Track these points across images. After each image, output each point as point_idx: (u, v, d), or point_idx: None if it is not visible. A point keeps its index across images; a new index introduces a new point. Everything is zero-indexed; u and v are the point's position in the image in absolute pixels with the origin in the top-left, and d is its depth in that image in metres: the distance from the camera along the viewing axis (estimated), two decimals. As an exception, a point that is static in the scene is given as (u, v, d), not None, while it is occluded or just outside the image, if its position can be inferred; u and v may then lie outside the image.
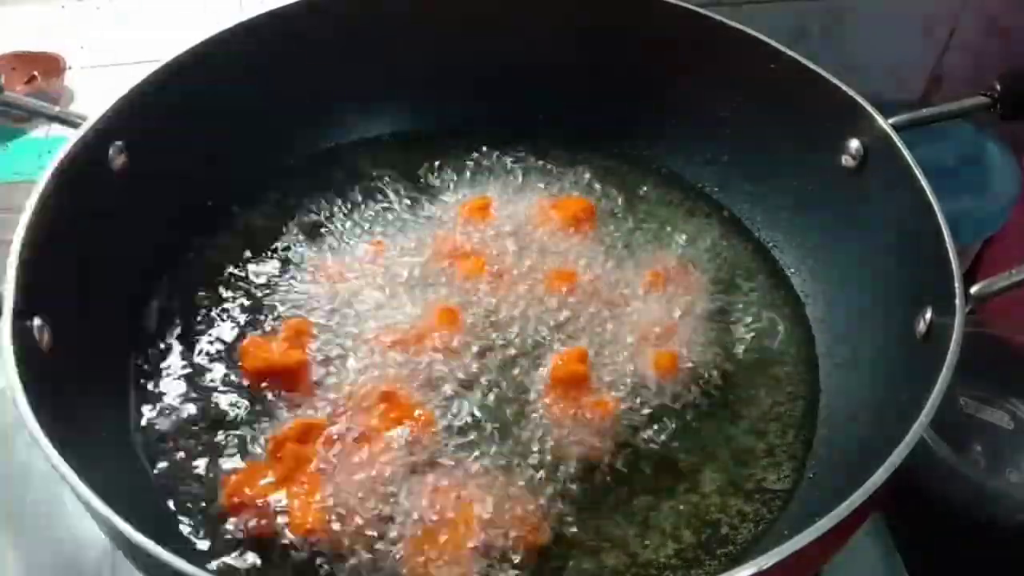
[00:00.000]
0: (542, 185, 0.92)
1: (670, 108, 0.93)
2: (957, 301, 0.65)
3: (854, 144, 0.80)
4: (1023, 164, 1.21)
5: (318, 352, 0.76)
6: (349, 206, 0.90)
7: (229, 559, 0.66)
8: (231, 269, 0.84)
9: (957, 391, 0.98)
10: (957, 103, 0.81)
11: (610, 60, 0.92)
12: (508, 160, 0.95)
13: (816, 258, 0.86)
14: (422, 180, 0.93)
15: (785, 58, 0.83)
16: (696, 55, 0.89)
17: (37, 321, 0.64)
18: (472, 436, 0.72)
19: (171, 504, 0.69)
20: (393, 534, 0.66)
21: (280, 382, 0.75)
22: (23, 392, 0.57)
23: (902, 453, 0.57)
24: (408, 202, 0.90)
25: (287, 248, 0.86)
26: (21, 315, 0.62)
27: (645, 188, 0.94)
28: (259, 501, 0.67)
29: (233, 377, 0.76)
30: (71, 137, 0.72)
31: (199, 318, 0.80)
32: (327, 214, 0.89)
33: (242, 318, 0.80)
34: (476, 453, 0.71)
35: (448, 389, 0.74)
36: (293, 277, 0.83)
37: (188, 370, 0.77)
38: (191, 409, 0.74)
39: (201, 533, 0.67)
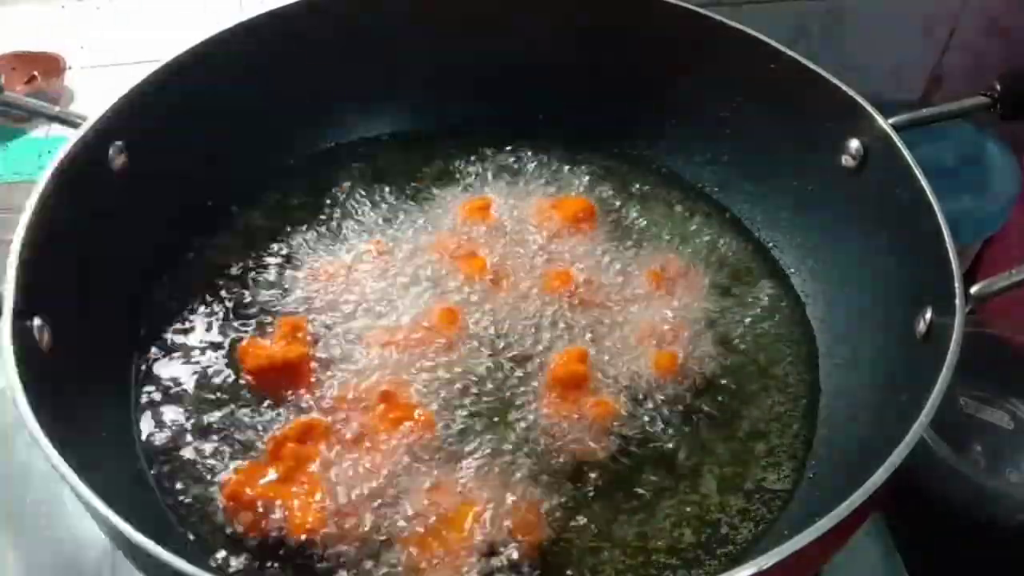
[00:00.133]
0: (542, 185, 0.92)
1: (670, 108, 0.93)
2: (957, 301, 0.65)
3: (854, 144, 0.80)
4: (1023, 164, 1.21)
5: (318, 352, 0.76)
6: (349, 206, 0.90)
7: (229, 559, 0.66)
8: (231, 269, 0.84)
9: (957, 391, 0.98)
10: (957, 103, 0.81)
11: (610, 60, 0.92)
12: (508, 160, 0.95)
13: (816, 258, 0.86)
14: (422, 180, 0.93)
15: (785, 58, 0.83)
16: (696, 55, 0.89)
17: (37, 321, 0.64)
18: (472, 436, 0.72)
19: (171, 504, 0.69)
20: (393, 534, 0.66)
21: (283, 378, 0.74)
22: (23, 392, 0.57)
23: (902, 453, 0.57)
24: (408, 202, 0.90)
25: (287, 248, 0.86)
26: (21, 315, 0.62)
27: (645, 188, 0.94)
28: (259, 501, 0.67)
29: (233, 377, 0.76)
30: (71, 137, 0.72)
31: (199, 318, 0.80)
32: (327, 214, 0.89)
33: (242, 318, 0.80)
34: (476, 453, 0.71)
35: (448, 389, 0.74)
36: (293, 277, 0.83)
37: (188, 370, 0.77)
38: (191, 409, 0.74)
39: (201, 533, 0.67)
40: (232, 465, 0.71)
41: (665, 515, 0.70)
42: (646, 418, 0.75)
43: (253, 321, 0.80)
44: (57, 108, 0.78)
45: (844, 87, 0.80)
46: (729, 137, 0.91)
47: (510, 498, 0.68)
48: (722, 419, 0.76)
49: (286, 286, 0.82)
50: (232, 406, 0.74)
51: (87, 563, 0.79)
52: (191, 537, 0.67)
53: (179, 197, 0.84)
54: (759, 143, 0.89)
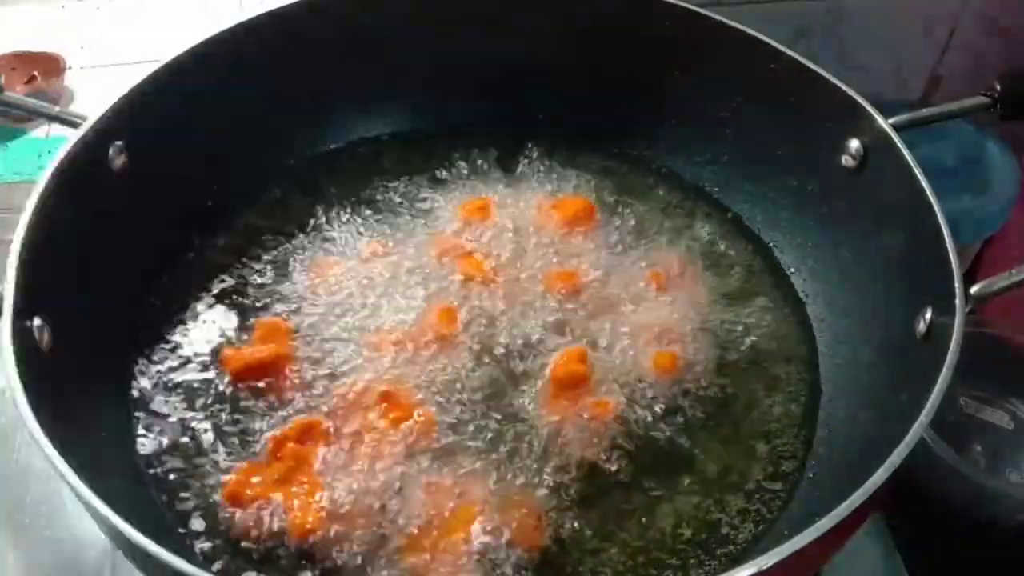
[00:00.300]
0: (542, 185, 0.92)
1: (670, 108, 0.93)
2: (957, 301, 0.65)
3: (854, 144, 0.80)
4: (1023, 164, 1.21)
5: (318, 352, 0.76)
6: (349, 206, 0.90)
7: (229, 559, 0.66)
8: (231, 269, 0.84)
9: (957, 391, 0.98)
10: (957, 103, 0.81)
11: (610, 60, 0.92)
12: (508, 160, 0.95)
13: (816, 258, 0.86)
14: (422, 180, 0.93)
15: (785, 58, 0.83)
16: (696, 55, 0.89)
17: (37, 321, 0.64)
18: (472, 436, 0.72)
19: (171, 504, 0.69)
20: (393, 534, 0.66)
21: (263, 377, 0.74)
22: (23, 392, 0.57)
23: (902, 453, 0.57)
24: (408, 202, 0.90)
25: (286, 248, 0.86)
26: (21, 315, 0.62)
27: (645, 188, 0.94)
28: (259, 501, 0.67)
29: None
30: (71, 137, 0.72)
31: (199, 318, 0.80)
32: (327, 214, 0.89)
33: (242, 318, 0.80)
34: (476, 453, 0.71)
35: (448, 389, 0.74)
36: (293, 277, 0.83)
37: (188, 370, 0.77)
38: (191, 409, 0.74)
39: (201, 533, 0.67)
40: (232, 465, 0.71)
41: (665, 515, 0.70)
42: (646, 418, 0.75)
43: (253, 321, 0.80)
44: (57, 108, 0.78)
45: (844, 87, 0.80)
46: (729, 137, 0.91)
47: (510, 498, 0.68)
48: (722, 419, 0.76)
49: (286, 286, 0.82)
50: (232, 406, 0.74)
51: (87, 563, 0.79)
52: (191, 537, 0.67)
53: (179, 197, 0.84)
54: (759, 143, 0.89)
